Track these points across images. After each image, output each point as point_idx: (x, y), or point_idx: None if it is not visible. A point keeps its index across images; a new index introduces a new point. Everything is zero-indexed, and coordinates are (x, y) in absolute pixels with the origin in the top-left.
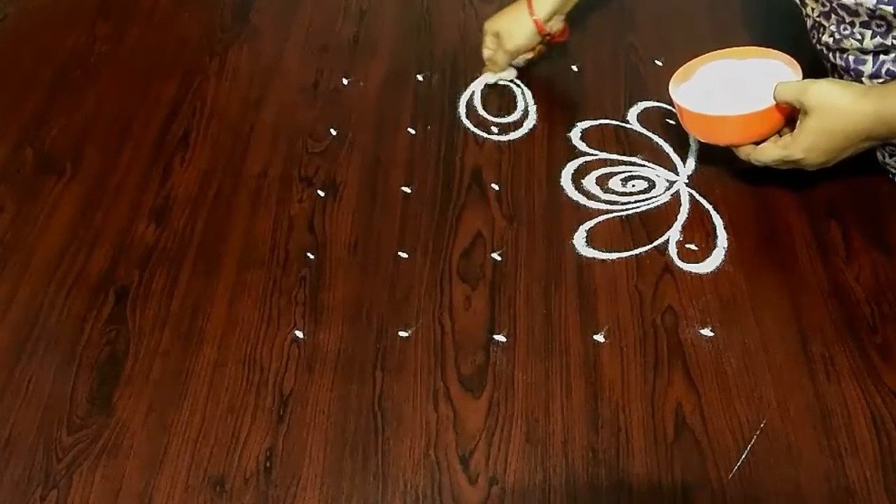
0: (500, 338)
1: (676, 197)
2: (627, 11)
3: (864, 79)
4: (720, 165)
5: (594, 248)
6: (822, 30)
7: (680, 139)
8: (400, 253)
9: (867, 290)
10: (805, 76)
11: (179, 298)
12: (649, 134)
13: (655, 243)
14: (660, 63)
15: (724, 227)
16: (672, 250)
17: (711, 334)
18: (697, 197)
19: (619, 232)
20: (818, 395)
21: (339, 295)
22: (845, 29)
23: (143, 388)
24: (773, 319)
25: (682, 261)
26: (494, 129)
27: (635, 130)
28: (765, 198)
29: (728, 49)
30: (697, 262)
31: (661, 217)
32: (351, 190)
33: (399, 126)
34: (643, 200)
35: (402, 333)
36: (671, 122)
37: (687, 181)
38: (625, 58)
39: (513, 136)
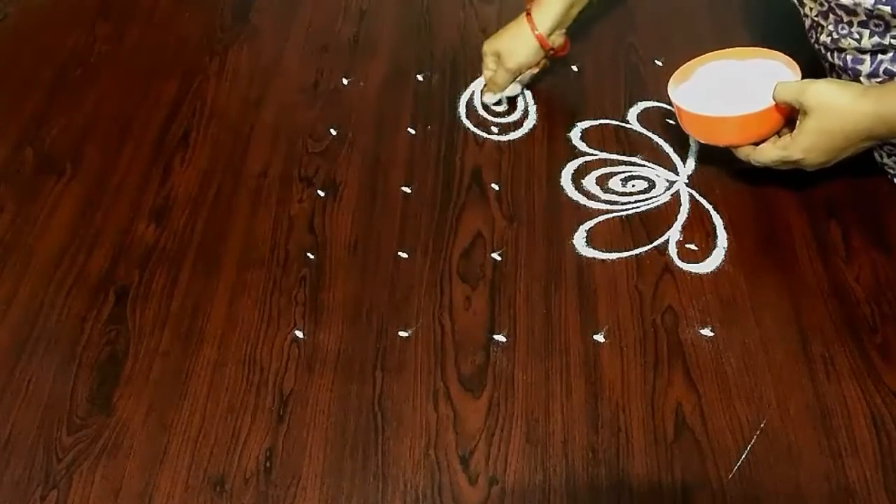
0: (500, 338)
1: (676, 197)
2: (627, 11)
3: (861, 78)
4: (720, 165)
5: (594, 248)
6: (820, 29)
7: (680, 139)
8: (400, 253)
9: (867, 290)
10: (804, 76)
11: (179, 298)
12: (649, 134)
13: (655, 243)
14: (660, 63)
15: (724, 227)
16: (672, 250)
17: (711, 334)
18: (697, 197)
19: (619, 232)
20: (818, 395)
21: (339, 295)
22: (843, 28)
23: (143, 388)
24: (773, 319)
25: (682, 261)
26: (494, 129)
27: (635, 130)
28: (765, 198)
29: (727, 49)
30: (697, 262)
31: (661, 217)
32: (351, 190)
33: (399, 126)
34: (643, 200)
35: (402, 333)
36: (671, 122)
37: (687, 181)
38: (625, 58)
39: (513, 136)
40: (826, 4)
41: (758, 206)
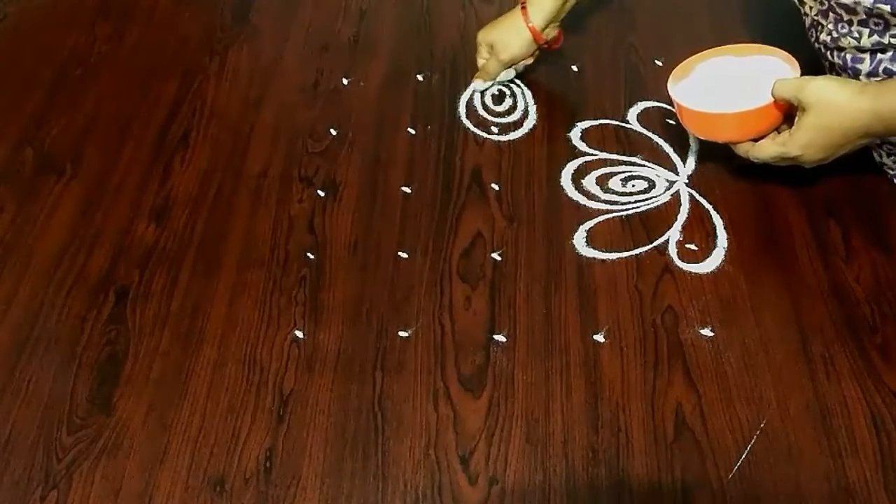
0: (500, 338)
1: (676, 197)
2: (627, 11)
3: (861, 77)
4: (720, 165)
5: (594, 248)
6: (820, 28)
7: (680, 139)
8: (400, 253)
9: (867, 290)
10: (803, 74)
11: (179, 298)
12: (649, 134)
13: (655, 243)
14: (660, 63)
15: (724, 227)
16: (672, 250)
17: (711, 334)
18: (697, 197)
19: (619, 232)
20: (818, 395)
21: (339, 295)
22: (843, 27)
23: (143, 388)
24: (773, 319)
25: (682, 261)
26: (494, 129)
27: (635, 130)
28: (765, 198)
29: (726, 46)
30: (697, 262)
31: (661, 217)
32: (351, 190)
33: (399, 126)
34: (643, 200)
35: (402, 333)
36: (671, 122)
37: (687, 181)
38: (625, 58)
39: (513, 136)
40: (826, 3)
41: (758, 206)
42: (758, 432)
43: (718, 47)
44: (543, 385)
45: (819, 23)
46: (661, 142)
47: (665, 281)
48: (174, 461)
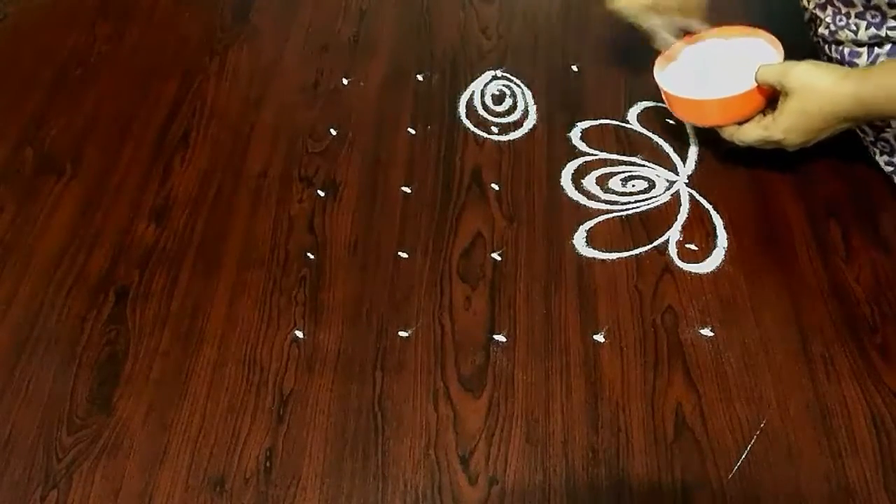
0: (500, 338)
1: (676, 197)
2: None
3: None
4: (720, 165)
5: (594, 248)
6: (818, 22)
7: (680, 139)
8: (400, 253)
9: (867, 290)
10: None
11: (179, 298)
12: (649, 134)
13: (655, 243)
14: None
15: (724, 227)
16: (672, 250)
17: (711, 334)
18: (697, 197)
19: (619, 232)
20: (818, 395)
21: (339, 295)
22: (841, 20)
23: (143, 388)
24: (773, 319)
25: (682, 261)
26: (494, 129)
27: (635, 130)
28: (765, 197)
29: (712, 29)
30: (697, 262)
31: (661, 217)
32: (351, 190)
33: (399, 126)
34: (643, 200)
35: (402, 333)
36: (671, 122)
37: (687, 181)
38: (625, 58)
39: (513, 136)
40: None
41: (757, 206)
42: (758, 432)
43: (704, 31)
44: (543, 385)
45: (817, 16)
46: (661, 142)
47: (665, 281)
48: (174, 461)
